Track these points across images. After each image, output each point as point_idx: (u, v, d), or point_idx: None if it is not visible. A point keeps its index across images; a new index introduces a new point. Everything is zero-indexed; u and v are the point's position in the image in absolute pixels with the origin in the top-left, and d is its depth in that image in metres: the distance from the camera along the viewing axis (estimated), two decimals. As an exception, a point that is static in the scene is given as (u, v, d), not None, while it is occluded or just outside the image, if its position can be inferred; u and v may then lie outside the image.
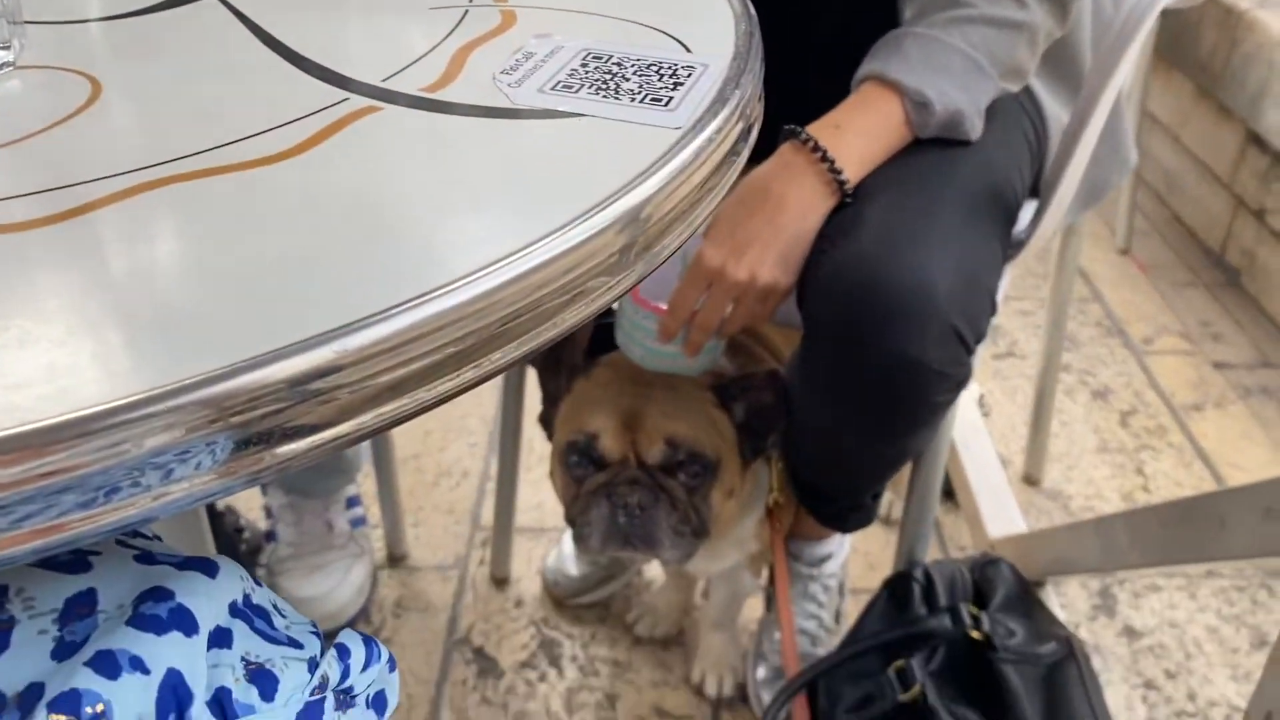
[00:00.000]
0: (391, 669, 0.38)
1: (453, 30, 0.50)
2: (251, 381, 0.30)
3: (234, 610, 0.34)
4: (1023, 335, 1.76)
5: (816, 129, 0.75)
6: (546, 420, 0.94)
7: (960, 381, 0.76)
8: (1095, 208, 1.05)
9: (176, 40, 0.51)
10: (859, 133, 0.75)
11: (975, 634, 0.86)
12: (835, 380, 0.77)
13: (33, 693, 0.31)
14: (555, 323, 0.38)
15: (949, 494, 1.34)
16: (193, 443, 0.30)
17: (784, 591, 0.92)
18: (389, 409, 0.34)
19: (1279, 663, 0.58)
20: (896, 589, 0.94)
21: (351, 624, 1.19)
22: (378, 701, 0.38)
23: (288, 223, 0.36)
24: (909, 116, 0.76)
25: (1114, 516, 0.91)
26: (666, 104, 0.41)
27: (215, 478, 0.31)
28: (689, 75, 0.43)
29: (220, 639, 0.33)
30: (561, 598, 1.23)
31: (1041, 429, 1.40)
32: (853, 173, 0.75)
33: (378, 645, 0.37)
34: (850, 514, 0.97)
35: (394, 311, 0.32)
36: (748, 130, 0.44)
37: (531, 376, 1.10)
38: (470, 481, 1.43)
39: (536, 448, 1.44)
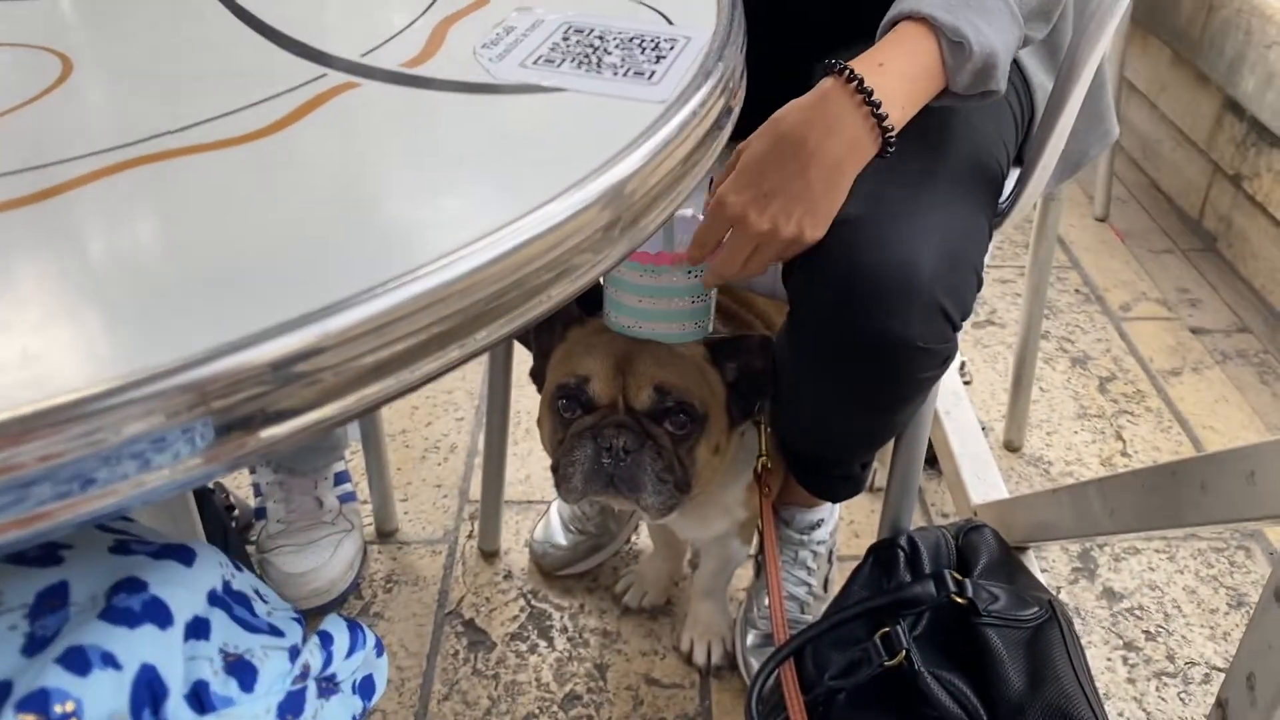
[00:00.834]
0: (379, 654, 0.37)
1: (433, 3, 0.50)
2: (233, 365, 0.30)
3: (213, 598, 0.33)
4: (1002, 304, 1.77)
5: (858, 62, 0.69)
6: (538, 373, 0.94)
7: (947, 357, 0.76)
8: (1074, 178, 1.05)
9: (148, 15, 0.50)
10: (901, 75, 0.69)
11: (959, 599, 0.87)
12: (822, 357, 0.77)
13: (2, 691, 0.30)
14: (541, 300, 0.37)
15: (932, 461, 1.35)
16: (174, 429, 0.30)
17: (773, 558, 0.93)
18: (373, 390, 0.34)
19: (1259, 625, 0.59)
20: (881, 556, 0.95)
21: (342, 599, 1.20)
22: (365, 686, 0.37)
23: (265, 203, 0.35)
24: (944, 58, 0.69)
25: (1095, 482, 0.92)
26: (650, 78, 0.40)
27: (201, 463, 0.31)
28: (671, 48, 0.42)
29: (198, 630, 0.32)
30: (550, 569, 1.23)
31: (1022, 396, 1.41)
32: (897, 117, 0.69)
33: (363, 631, 0.37)
34: (840, 484, 0.98)
35: (377, 292, 0.32)
36: (731, 103, 0.44)
37: (519, 350, 1.10)
38: (458, 456, 1.43)
39: (524, 421, 1.44)
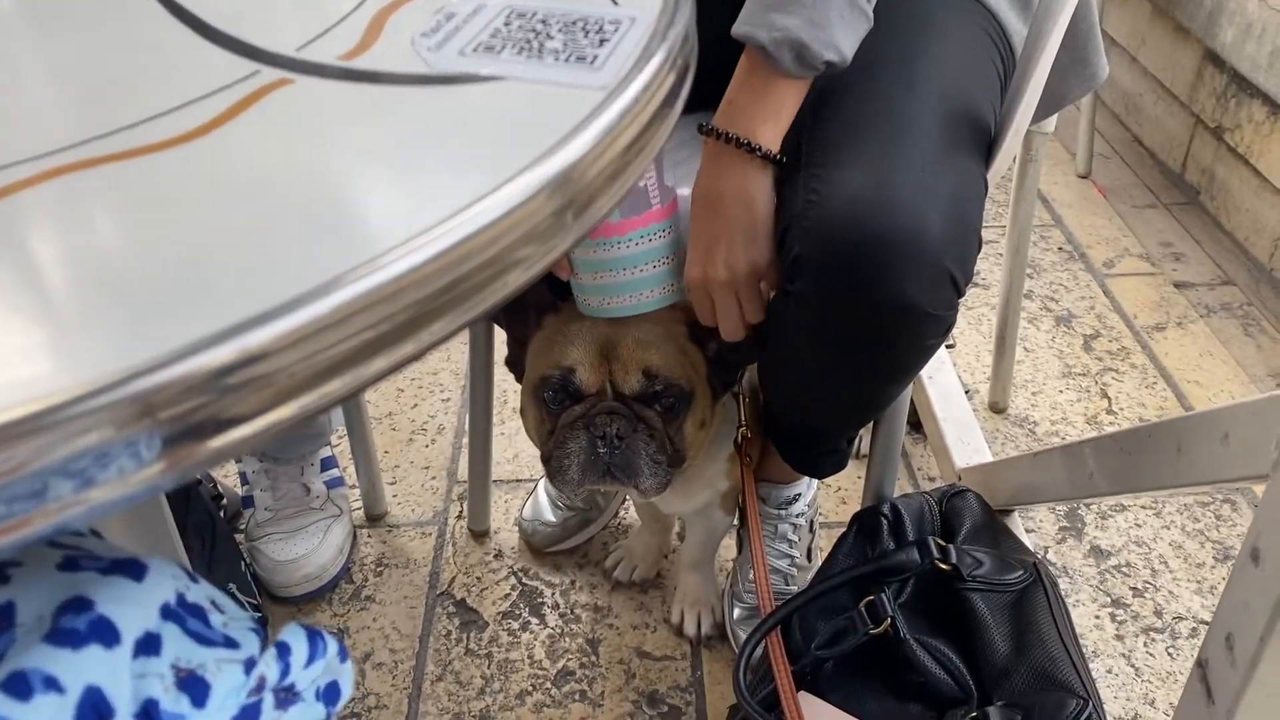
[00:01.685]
0: (343, 659, 0.37)
1: (375, -11, 0.48)
2: (176, 374, 0.29)
3: (165, 612, 0.33)
4: (985, 264, 1.76)
5: (719, 116, 0.76)
6: (514, 362, 0.94)
7: (950, 324, 0.75)
8: (1053, 116, 1.03)
9: (77, 10, 0.49)
10: (750, 100, 0.74)
11: (943, 565, 0.88)
12: (824, 326, 0.76)
13: None
14: (495, 289, 0.37)
15: (916, 425, 1.36)
16: (118, 443, 0.29)
17: (755, 530, 0.93)
18: (332, 387, 0.33)
19: (1237, 584, 0.60)
20: (865, 524, 0.96)
21: (334, 584, 1.20)
22: (329, 693, 0.37)
23: (199, 207, 0.35)
24: (764, 62, 0.72)
25: (1076, 444, 0.92)
26: (592, 62, 0.40)
27: (150, 475, 0.30)
28: (615, 30, 0.41)
29: (148, 646, 0.32)
30: (540, 546, 1.24)
31: (1006, 357, 1.41)
32: (770, 139, 0.74)
33: (323, 638, 0.37)
34: (825, 459, 0.98)
35: (320, 293, 0.31)
36: (679, 83, 0.43)
37: (501, 331, 1.09)
38: (445, 437, 1.43)
39: (510, 400, 1.43)
